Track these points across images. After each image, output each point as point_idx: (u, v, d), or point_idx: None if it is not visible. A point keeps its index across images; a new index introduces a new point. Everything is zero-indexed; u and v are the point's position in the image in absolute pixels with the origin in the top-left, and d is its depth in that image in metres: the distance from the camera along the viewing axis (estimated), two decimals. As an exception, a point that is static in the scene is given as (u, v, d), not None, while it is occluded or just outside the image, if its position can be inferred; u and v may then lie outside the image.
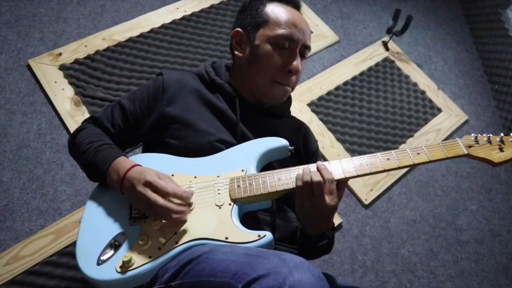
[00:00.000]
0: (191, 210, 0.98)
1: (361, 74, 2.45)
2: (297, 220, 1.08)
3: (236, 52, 1.20)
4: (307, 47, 1.17)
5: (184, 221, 0.95)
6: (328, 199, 0.95)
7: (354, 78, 2.41)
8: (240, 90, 1.20)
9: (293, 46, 1.13)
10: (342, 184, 1.00)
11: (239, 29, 1.19)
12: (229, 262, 0.77)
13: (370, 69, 2.49)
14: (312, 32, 2.49)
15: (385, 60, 2.57)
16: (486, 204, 2.21)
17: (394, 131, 2.28)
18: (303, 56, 1.17)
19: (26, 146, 1.72)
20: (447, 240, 2.03)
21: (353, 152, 2.15)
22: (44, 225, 1.58)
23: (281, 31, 1.11)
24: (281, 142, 1.09)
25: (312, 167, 1.00)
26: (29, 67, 1.91)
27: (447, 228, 2.07)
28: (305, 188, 0.95)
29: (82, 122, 1.20)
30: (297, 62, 1.12)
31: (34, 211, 1.60)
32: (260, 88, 1.16)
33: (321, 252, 1.13)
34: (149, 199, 0.91)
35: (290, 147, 1.09)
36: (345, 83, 2.37)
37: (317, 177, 0.94)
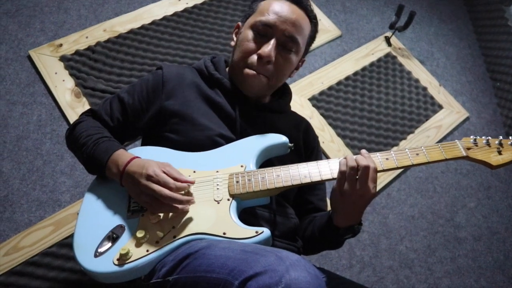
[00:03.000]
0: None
1: (363, 69, 2.44)
2: (331, 207, 1.05)
3: (231, 44, 1.22)
4: (291, 38, 1.11)
5: (183, 215, 0.96)
6: (370, 185, 0.94)
7: (355, 73, 2.40)
8: (239, 85, 1.19)
9: (270, 32, 1.10)
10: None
11: (239, 22, 1.22)
12: (226, 258, 0.77)
13: (372, 64, 2.48)
14: (314, 27, 2.48)
15: (387, 55, 2.56)
16: (485, 202, 2.22)
17: (394, 127, 2.28)
18: (286, 48, 1.13)
19: (26, 137, 1.72)
20: (445, 237, 2.04)
21: (353, 148, 2.15)
22: (44, 216, 1.59)
23: (260, 17, 1.11)
24: (281, 138, 1.09)
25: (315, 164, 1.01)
26: (29, 58, 1.90)
27: (446, 225, 2.08)
28: (349, 173, 0.94)
29: (80, 115, 1.20)
30: (268, 48, 1.08)
31: (33, 202, 1.60)
32: (236, 74, 1.16)
33: (337, 244, 1.13)
34: (155, 191, 0.92)
35: (290, 144, 1.09)
36: (347, 78, 2.37)
37: (365, 162, 0.94)
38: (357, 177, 0.94)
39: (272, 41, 1.10)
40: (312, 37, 1.23)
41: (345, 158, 0.97)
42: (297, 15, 1.13)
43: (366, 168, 0.93)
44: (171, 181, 0.93)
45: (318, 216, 1.16)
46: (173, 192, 0.93)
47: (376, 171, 0.96)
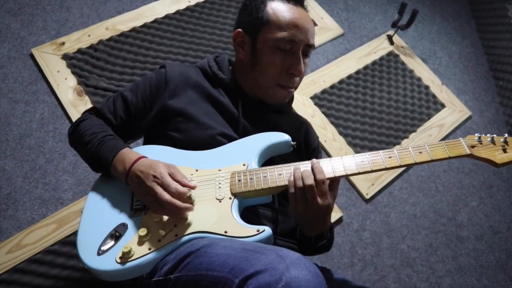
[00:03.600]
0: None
1: (365, 68, 2.43)
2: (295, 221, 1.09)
3: (238, 55, 1.19)
4: (311, 46, 1.14)
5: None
6: (320, 200, 0.95)
7: (358, 72, 2.40)
8: (242, 85, 1.20)
9: (295, 48, 1.10)
10: (335, 183, 1.00)
11: (240, 30, 1.16)
12: (227, 257, 0.78)
13: (374, 63, 2.48)
14: (316, 25, 2.48)
15: (390, 54, 2.55)
16: (487, 201, 2.21)
17: (396, 126, 2.28)
18: (306, 55, 1.15)
19: (28, 135, 1.72)
20: (447, 236, 2.04)
21: (355, 146, 2.14)
22: (46, 214, 1.59)
23: (282, 34, 1.08)
24: (284, 137, 1.09)
25: (303, 165, 1.00)
26: (32, 56, 1.91)
27: (447, 223, 2.07)
28: (298, 193, 0.95)
29: (83, 113, 1.20)
30: (300, 65, 1.10)
31: (36, 200, 1.61)
32: (262, 90, 1.16)
33: (320, 250, 1.14)
34: (156, 193, 0.92)
35: (293, 143, 1.09)
36: (349, 77, 2.36)
37: (309, 181, 0.94)
38: (306, 196, 0.94)
39: (300, 56, 1.10)
40: None
41: (293, 176, 0.96)
42: (309, 21, 1.13)
43: (310, 187, 0.93)
44: (173, 185, 0.94)
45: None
46: (174, 197, 0.93)
47: (323, 182, 0.95)
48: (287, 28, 1.08)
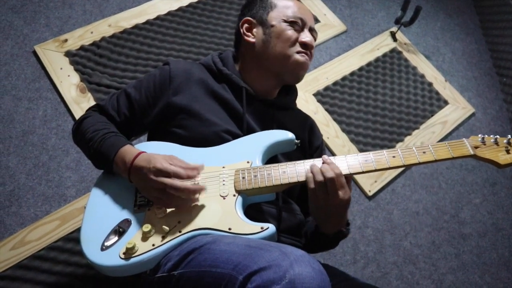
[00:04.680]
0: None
1: (368, 64, 2.43)
2: (313, 219, 1.08)
3: (248, 39, 1.21)
4: (314, 31, 1.23)
5: (189, 210, 0.96)
6: (341, 193, 0.95)
7: (361, 69, 2.39)
8: (247, 81, 1.20)
9: (304, 25, 1.19)
10: (348, 177, 1.00)
11: (248, 17, 1.23)
12: (231, 253, 0.78)
13: (377, 59, 2.47)
14: (319, 22, 2.47)
15: (393, 51, 2.54)
16: (490, 198, 2.21)
17: (399, 123, 2.27)
18: (313, 37, 1.22)
19: (31, 132, 1.73)
20: (450, 233, 2.03)
21: (358, 143, 2.14)
22: (50, 211, 1.60)
23: (291, 10, 1.19)
24: (288, 135, 1.09)
25: (317, 162, 1.00)
26: (35, 53, 1.91)
27: (450, 221, 2.07)
28: (318, 188, 0.94)
29: (87, 110, 1.20)
30: (310, 37, 1.19)
31: (39, 197, 1.61)
32: (281, 65, 1.17)
33: (330, 247, 1.16)
34: (166, 185, 0.92)
35: (296, 141, 1.09)
36: (352, 74, 2.36)
37: (329, 174, 0.94)
38: (327, 190, 0.94)
39: (307, 30, 1.20)
40: None
41: (311, 172, 0.97)
42: (311, 12, 1.25)
43: (331, 180, 0.93)
44: (181, 170, 0.94)
45: (309, 221, 1.18)
46: (185, 181, 0.93)
47: (341, 176, 0.95)
48: (294, 8, 1.20)
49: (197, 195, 0.96)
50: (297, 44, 1.17)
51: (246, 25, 1.23)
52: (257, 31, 1.20)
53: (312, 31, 1.22)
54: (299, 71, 1.18)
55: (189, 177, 0.95)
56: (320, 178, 0.94)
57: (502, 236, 2.10)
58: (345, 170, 0.99)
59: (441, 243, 1.99)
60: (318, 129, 1.35)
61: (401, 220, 2.00)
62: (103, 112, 1.17)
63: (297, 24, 1.18)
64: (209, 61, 1.23)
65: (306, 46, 1.17)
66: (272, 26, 1.18)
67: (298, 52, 1.16)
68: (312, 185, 0.95)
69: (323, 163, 0.98)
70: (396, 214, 2.01)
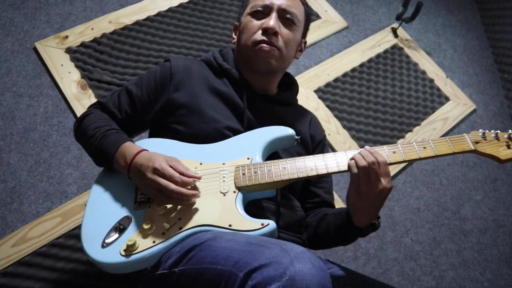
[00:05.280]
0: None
1: (369, 61, 2.42)
2: (348, 209, 1.06)
3: (233, 41, 1.28)
4: (288, 11, 1.17)
5: (189, 207, 0.96)
6: (384, 181, 0.94)
7: (362, 65, 2.39)
8: (246, 76, 1.20)
9: (268, 10, 1.17)
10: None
11: (236, 23, 1.28)
12: (231, 250, 0.78)
13: (378, 56, 2.46)
14: (320, 18, 2.46)
15: (394, 47, 2.54)
16: (491, 195, 2.21)
17: (400, 119, 2.27)
18: (287, 20, 1.18)
19: (33, 129, 1.73)
20: (451, 230, 2.03)
21: (359, 140, 2.14)
22: (51, 207, 1.60)
23: (256, 2, 1.19)
24: (288, 131, 1.09)
25: (318, 158, 1.00)
26: (35, 50, 1.90)
27: (451, 217, 2.07)
28: (362, 174, 0.94)
29: (89, 107, 1.20)
30: (272, 22, 1.14)
31: (41, 194, 1.62)
32: (246, 55, 1.18)
33: (349, 243, 1.16)
34: (160, 184, 0.92)
35: (297, 137, 1.09)
36: (353, 70, 2.35)
37: (370, 158, 0.93)
38: (369, 175, 0.93)
39: (273, 14, 1.16)
40: (307, 16, 1.28)
41: (352, 159, 0.96)
42: None
43: (374, 164, 0.93)
44: (177, 175, 0.94)
45: (331, 215, 1.15)
46: (179, 186, 0.93)
47: (386, 164, 0.95)
48: None
49: (188, 200, 0.95)
50: (258, 33, 1.15)
51: (234, 29, 1.30)
52: (238, 31, 1.25)
53: (283, 12, 1.17)
54: (263, 58, 1.14)
55: (183, 184, 0.94)
56: (363, 163, 0.93)
57: (503, 233, 2.10)
58: (344, 166, 0.99)
59: (442, 240, 1.99)
60: (320, 125, 1.35)
61: (402, 217, 2.00)
62: (105, 109, 1.17)
63: (261, 12, 1.17)
64: (209, 57, 1.23)
65: (266, 31, 1.14)
66: (241, 23, 1.22)
67: (257, 41, 1.14)
68: (355, 170, 0.94)
69: (366, 150, 0.97)
70: (397, 211, 2.01)
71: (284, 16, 1.17)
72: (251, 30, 1.16)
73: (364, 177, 0.94)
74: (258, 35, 1.14)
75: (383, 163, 0.94)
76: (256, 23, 1.16)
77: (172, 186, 0.92)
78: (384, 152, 0.99)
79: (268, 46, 1.13)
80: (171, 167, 0.95)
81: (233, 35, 1.29)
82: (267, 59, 1.15)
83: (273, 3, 1.16)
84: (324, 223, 1.15)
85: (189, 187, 0.96)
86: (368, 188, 0.94)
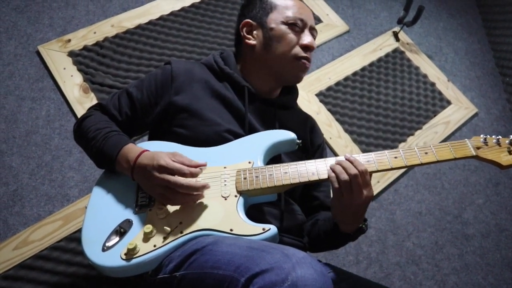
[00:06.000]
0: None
1: (371, 64, 2.42)
2: (333, 217, 1.06)
3: (248, 41, 1.21)
4: (314, 29, 1.23)
5: (190, 211, 0.96)
6: (365, 191, 0.94)
7: (363, 69, 2.39)
8: (248, 80, 1.20)
9: (304, 25, 1.19)
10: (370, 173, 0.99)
11: (247, 20, 1.22)
12: (232, 255, 0.78)
13: (379, 59, 2.46)
14: (321, 22, 2.47)
15: (395, 50, 2.54)
16: (493, 198, 2.20)
17: (402, 123, 2.27)
18: (313, 37, 1.22)
19: (35, 132, 1.73)
20: (453, 234, 2.03)
21: (360, 143, 2.14)
22: (53, 210, 1.60)
23: (292, 11, 1.18)
24: (289, 135, 1.09)
25: (320, 162, 1.00)
26: (38, 53, 1.91)
27: (453, 221, 2.06)
28: (343, 186, 0.93)
29: (88, 109, 1.20)
30: (311, 39, 1.18)
31: (42, 197, 1.62)
32: (279, 65, 1.18)
33: (341, 246, 1.17)
34: (169, 181, 0.92)
35: (298, 141, 1.09)
36: (354, 74, 2.35)
37: (352, 171, 0.92)
38: (351, 187, 0.93)
39: (308, 31, 1.19)
40: None
41: (333, 171, 0.95)
42: (309, 9, 1.24)
43: (355, 176, 0.92)
44: (184, 167, 0.94)
45: (321, 220, 1.16)
46: (188, 178, 0.93)
47: (367, 173, 0.94)
48: (294, 8, 1.19)
49: (200, 192, 0.95)
50: (298, 47, 1.17)
51: (246, 27, 1.23)
52: (257, 33, 1.21)
53: (312, 30, 1.21)
54: (299, 73, 1.19)
55: (192, 175, 0.94)
56: (345, 177, 0.92)
57: (505, 237, 2.10)
58: None
59: (444, 244, 1.99)
60: (319, 128, 1.35)
61: (404, 221, 2.00)
62: (105, 111, 1.17)
63: (297, 26, 1.17)
64: (210, 60, 1.23)
65: (307, 48, 1.17)
66: (272, 29, 1.18)
67: (299, 57, 1.16)
68: (336, 185, 0.94)
69: (346, 159, 0.95)
70: (399, 215, 2.01)
71: (312, 34, 1.22)
72: (291, 43, 1.16)
73: (346, 190, 0.93)
74: (300, 51, 1.16)
75: (362, 172, 0.93)
76: (294, 37, 1.17)
77: (181, 180, 0.92)
78: (386, 157, 0.99)
79: (308, 63, 1.19)
80: (175, 162, 0.95)
81: (246, 34, 1.22)
82: (304, 73, 1.20)
83: (306, 19, 1.19)
84: (315, 228, 1.16)
85: (198, 179, 0.96)
86: (350, 200, 0.94)
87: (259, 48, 1.20)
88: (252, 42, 1.21)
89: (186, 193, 0.93)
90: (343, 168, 0.94)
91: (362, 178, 0.93)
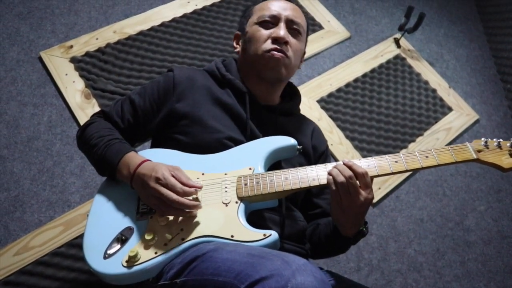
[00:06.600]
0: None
1: (372, 71, 2.43)
2: (333, 221, 1.06)
3: (236, 50, 1.28)
4: (294, 22, 1.20)
5: (191, 218, 0.96)
6: (364, 193, 0.94)
7: (364, 75, 2.39)
8: (249, 87, 1.20)
9: (277, 20, 1.19)
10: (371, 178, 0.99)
11: (237, 31, 1.30)
12: (232, 262, 0.78)
13: (381, 66, 2.47)
14: (323, 28, 2.48)
15: (397, 57, 2.54)
16: (495, 205, 2.19)
17: (403, 130, 2.27)
18: (293, 30, 1.21)
19: (36, 138, 1.74)
20: (455, 241, 2.02)
21: (361, 150, 2.14)
22: (53, 216, 1.60)
23: (263, 12, 1.20)
24: (289, 141, 1.09)
25: (320, 167, 1.00)
26: (40, 59, 1.92)
27: (455, 228, 2.06)
28: (341, 189, 0.93)
29: (91, 116, 1.21)
30: (282, 31, 1.16)
31: (43, 203, 1.62)
32: (255, 63, 1.18)
33: (343, 252, 1.19)
34: (162, 194, 0.92)
35: (298, 147, 1.09)
36: (356, 80, 2.36)
37: (347, 172, 0.93)
38: (348, 189, 0.93)
39: (282, 24, 1.18)
40: (307, 27, 1.31)
41: (330, 174, 0.95)
42: (292, 5, 1.24)
43: (351, 178, 0.92)
44: (178, 185, 0.94)
45: (322, 225, 1.16)
46: (180, 196, 0.93)
47: (367, 175, 0.94)
48: (267, 8, 1.21)
49: (190, 211, 0.95)
50: (268, 41, 1.16)
51: (236, 39, 1.30)
52: (241, 40, 1.26)
53: (290, 22, 1.19)
54: (273, 66, 1.16)
55: (184, 194, 0.94)
56: (341, 178, 0.93)
57: (507, 244, 2.09)
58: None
59: (446, 251, 1.98)
60: (322, 135, 1.35)
61: (405, 227, 1.99)
62: (108, 118, 1.18)
63: (269, 22, 1.19)
64: (212, 67, 1.24)
65: (276, 40, 1.16)
66: (247, 32, 1.23)
67: (268, 49, 1.15)
68: (333, 187, 0.94)
69: (344, 164, 0.96)
70: (400, 221, 2.00)
71: (291, 26, 1.20)
72: (260, 39, 1.17)
73: (343, 192, 0.93)
74: (268, 44, 1.16)
75: (362, 174, 0.93)
76: (265, 32, 1.18)
77: (174, 196, 0.92)
78: (386, 162, 0.99)
79: (279, 53, 1.15)
80: (173, 176, 0.96)
81: (235, 44, 1.30)
82: (278, 66, 1.16)
83: (280, 13, 1.19)
84: (316, 233, 1.16)
85: (191, 198, 0.96)
86: (349, 202, 0.94)
87: (241, 54, 1.25)
88: (238, 49, 1.27)
89: (178, 208, 0.94)
90: (339, 170, 0.94)
91: (360, 180, 0.93)
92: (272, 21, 1.19)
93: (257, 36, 1.17)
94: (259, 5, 1.25)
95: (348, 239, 1.05)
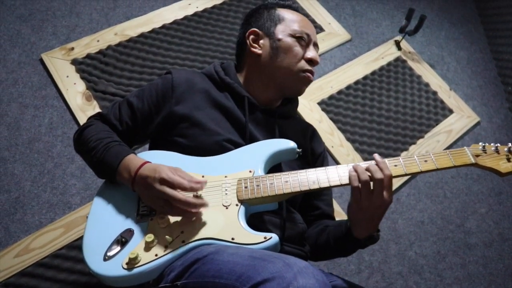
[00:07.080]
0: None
1: (373, 73, 2.43)
2: (349, 220, 1.06)
3: (254, 50, 1.21)
4: (317, 46, 1.25)
5: (191, 220, 0.96)
6: (386, 195, 0.94)
7: (365, 78, 2.39)
8: (249, 90, 1.20)
9: (309, 40, 1.21)
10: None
11: (254, 28, 1.23)
12: (234, 264, 0.78)
13: (381, 68, 2.47)
14: (323, 31, 2.48)
15: (397, 59, 2.54)
16: (496, 208, 2.19)
17: (404, 132, 2.27)
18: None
19: (37, 140, 1.74)
20: (455, 243, 2.02)
21: (362, 152, 2.14)
22: (54, 218, 1.60)
23: (297, 27, 1.20)
24: (289, 144, 1.09)
25: (320, 171, 1.00)
26: (41, 61, 1.93)
27: (456, 230, 2.06)
28: (363, 187, 0.93)
29: (89, 118, 1.20)
30: (316, 53, 1.21)
31: (44, 204, 1.62)
32: (284, 76, 1.19)
33: (349, 254, 1.18)
34: (169, 195, 0.92)
35: (298, 150, 1.09)
36: (356, 82, 2.36)
37: (379, 175, 0.93)
38: (372, 189, 0.93)
39: (313, 47, 1.22)
40: None
41: (355, 171, 0.95)
42: (314, 27, 1.27)
43: (380, 180, 0.93)
44: (185, 181, 0.94)
45: (331, 226, 1.15)
46: (187, 192, 0.93)
47: (391, 178, 0.94)
48: (300, 23, 1.22)
49: (197, 210, 0.95)
50: (303, 61, 1.18)
51: (252, 36, 1.23)
52: (264, 43, 1.21)
53: (315, 46, 1.24)
54: (302, 86, 1.22)
55: (192, 190, 0.94)
56: (365, 178, 0.93)
57: (508, 246, 2.08)
58: (346, 180, 0.98)
59: (447, 253, 1.98)
60: (320, 137, 1.35)
61: (406, 230, 1.99)
62: (105, 121, 1.17)
63: (303, 40, 1.19)
64: (211, 70, 1.23)
65: (311, 63, 1.19)
66: (280, 40, 1.19)
67: (304, 69, 1.18)
68: (356, 183, 0.94)
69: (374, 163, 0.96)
70: (400, 224, 2.00)
71: (315, 48, 1.25)
72: (297, 56, 1.18)
73: (365, 191, 0.93)
74: (305, 64, 1.18)
75: (388, 178, 0.94)
76: (300, 50, 1.19)
77: (180, 196, 0.92)
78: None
79: (312, 77, 1.21)
80: (176, 175, 0.95)
81: (252, 43, 1.22)
82: (306, 86, 1.23)
83: (311, 35, 1.22)
84: (324, 234, 1.15)
85: (197, 195, 0.96)
86: (369, 202, 0.94)
87: (264, 58, 1.20)
88: (258, 51, 1.21)
89: (184, 208, 0.93)
90: (366, 169, 0.95)
91: (385, 182, 0.93)
92: (305, 40, 1.20)
93: (295, 52, 1.18)
94: (288, 13, 1.23)
95: (358, 242, 1.05)
